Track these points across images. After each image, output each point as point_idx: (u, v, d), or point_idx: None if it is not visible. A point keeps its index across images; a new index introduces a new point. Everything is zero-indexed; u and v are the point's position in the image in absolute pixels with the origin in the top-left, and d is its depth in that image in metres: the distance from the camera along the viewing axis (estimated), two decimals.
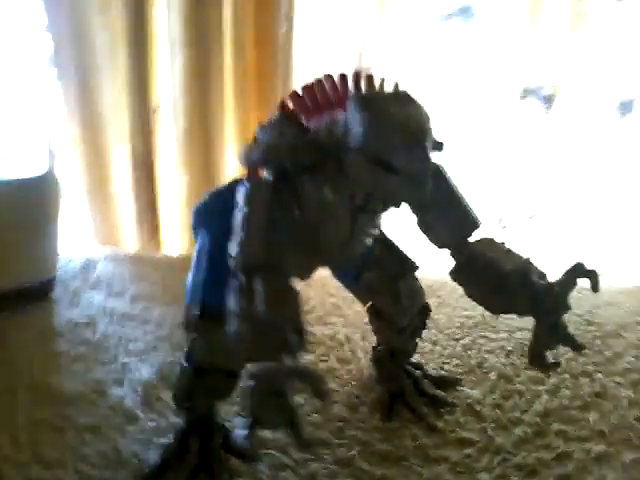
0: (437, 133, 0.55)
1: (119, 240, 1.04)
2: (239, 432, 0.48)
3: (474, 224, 0.56)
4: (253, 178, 0.51)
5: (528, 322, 0.83)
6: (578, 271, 0.51)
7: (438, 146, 0.54)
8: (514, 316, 0.84)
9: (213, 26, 0.87)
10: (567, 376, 0.75)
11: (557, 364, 0.54)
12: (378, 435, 0.66)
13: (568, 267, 0.52)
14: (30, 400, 0.67)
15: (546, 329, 0.52)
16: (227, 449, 0.62)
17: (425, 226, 0.57)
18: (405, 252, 0.65)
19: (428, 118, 0.47)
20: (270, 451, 0.63)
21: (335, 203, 0.51)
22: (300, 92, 0.53)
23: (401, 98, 0.47)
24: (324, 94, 0.52)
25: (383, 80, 0.50)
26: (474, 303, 0.83)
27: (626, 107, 0.94)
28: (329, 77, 0.52)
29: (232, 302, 0.46)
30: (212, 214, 0.61)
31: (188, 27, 0.86)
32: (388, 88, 0.49)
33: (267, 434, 0.64)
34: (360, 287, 0.66)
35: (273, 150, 0.50)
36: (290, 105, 0.54)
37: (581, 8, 0.89)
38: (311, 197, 0.50)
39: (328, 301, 0.88)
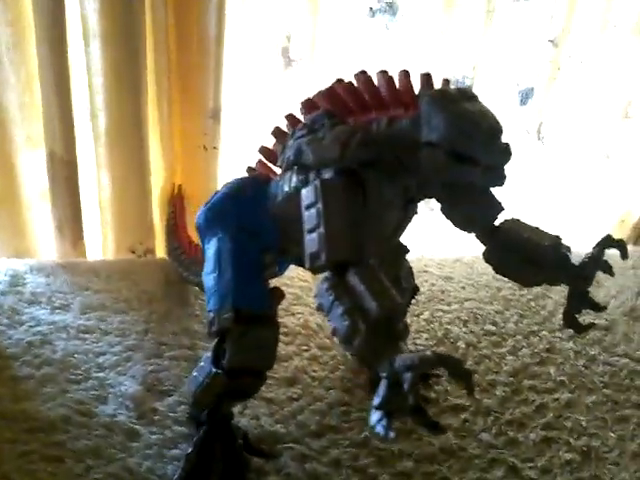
0: None
1: (34, 250, 0.94)
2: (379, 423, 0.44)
3: (500, 207, 0.59)
4: (321, 177, 0.51)
5: (471, 292, 0.92)
6: (608, 243, 0.57)
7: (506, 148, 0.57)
8: (460, 287, 0.93)
9: (134, 18, 0.82)
10: (520, 337, 0.83)
11: (592, 324, 0.60)
12: None
13: (598, 240, 0.58)
14: (10, 433, 0.61)
15: (578, 296, 0.58)
16: (247, 450, 0.61)
17: (455, 212, 0.58)
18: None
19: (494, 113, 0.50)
20: (288, 445, 0.63)
21: (392, 195, 0.52)
22: (335, 91, 0.54)
23: (469, 95, 0.49)
24: (372, 93, 0.53)
25: (447, 81, 0.52)
26: (429, 282, 0.89)
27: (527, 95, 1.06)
28: (384, 75, 0.53)
29: (329, 300, 0.46)
30: (226, 214, 0.60)
31: (105, 20, 0.80)
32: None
33: (278, 428, 0.65)
34: None
35: (339, 148, 0.50)
36: (320, 104, 0.55)
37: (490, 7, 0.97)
38: (373, 191, 0.51)
39: (286, 291, 0.88)
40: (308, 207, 0.50)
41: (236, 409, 0.65)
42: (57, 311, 0.78)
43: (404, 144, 0.50)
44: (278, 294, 0.60)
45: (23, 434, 0.61)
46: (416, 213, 0.59)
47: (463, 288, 0.93)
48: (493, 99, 1.05)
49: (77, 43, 0.84)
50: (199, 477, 0.58)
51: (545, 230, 0.59)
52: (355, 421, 0.67)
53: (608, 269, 0.57)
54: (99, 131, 0.88)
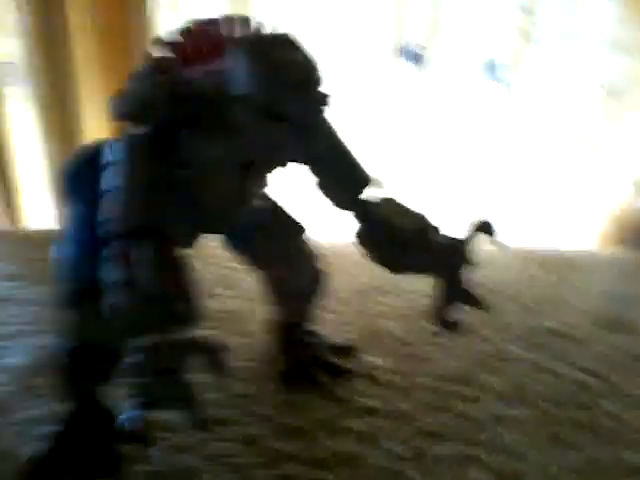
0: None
1: None
2: (128, 414, 0.44)
3: (365, 179, 0.55)
4: (129, 132, 0.46)
5: (422, 285, 0.85)
6: (478, 225, 0.52)
7: (324, 99, 0.51)
8: (410, 280, 0.86)
9: None
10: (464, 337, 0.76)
11: (457, 323, 0.55)
12: (282, 409, 0.63)
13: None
14: None
15: (446, 285, 0.52)
16: (117, 435, 0.57)
17: (320, 186, 0.55)
18: (292, 215, 0.62)
19: (316, 63, 0.45)
20: (166, 434, 0.59)
21: (219, 160, 0.47)
22: (170, 39, 0.48)
23: (286, 42, 0.45)
24: (200, 40, 0.47)
25: (261, 24, 0.47)
26: (368, 269, 0.82)
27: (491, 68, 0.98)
28: (209, 21, 0.47)
29: (108, 272, 0.42)
30: (83, 180, 0.53)
31: None
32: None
33: (161, 415, 0.60)
34: (250, 255, 0.63)
35: (148, 102, 0.45)
36: (159, 54, 0.49)
37: None
38: (192, 154, 0.46)
39: (211, 272, 0.84)
40: (110, 168, 0.45)
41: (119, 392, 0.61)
42: None
43: (219, 100, 0.44)
44: None
45: None
46: (265, 185, 0.54)
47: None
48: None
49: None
50: (59, 459, 0.54)
51: (415, 211, 0.53)
52: (250, 415, 0.62)
53: (469, 260, 0.51)
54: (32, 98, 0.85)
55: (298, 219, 0.62)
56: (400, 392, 0.67)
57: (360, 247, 0.56)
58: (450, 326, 0.54)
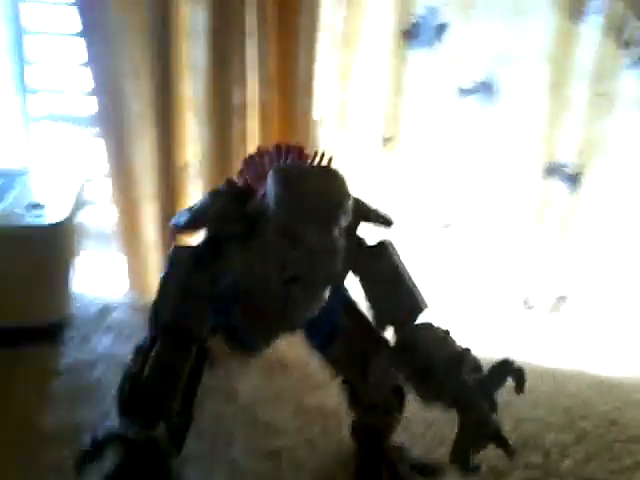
0: (387, 209, 0.54)
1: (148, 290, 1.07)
2: None
3: (417, 307, 0.54)
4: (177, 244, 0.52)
5: (538, 413, 0.77)
6: (505, 368, 0.47)
7: (386, 222, 0.53)
8: (525, 405, 0.78)
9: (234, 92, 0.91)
10: (571, 479, 0.67)
11: (479, 467, 0.49)
12: None
13: (494, 363, 0.49)
14: (13, 433, 0.69)
15: (471, 426, 0.48)
16: None
17: (370, 305, 0.56)
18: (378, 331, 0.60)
19: (344, 196, 0.47)
20: None
21: (263, 274, 0.50)
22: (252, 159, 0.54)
23: (322, 174, 0.48)
24: (258, 168, 0.53)
25: (319, 155, 0.50)
26: None
27: None
28: (269, 150, 0.53)
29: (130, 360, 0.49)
30: None
31: (210, 98, 0.90)
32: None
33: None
34: (327, 358, 0.63)
35: (197, 219, 0.51)
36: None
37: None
38: (237, 266, 0.51)
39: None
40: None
41: (198, 468, 0.65)
42: (117, 342, 0.87)
43: (260, 219, 0.48)
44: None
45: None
46: (319, 299, 0.54)
47: (535, 407, 0.78)
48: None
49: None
50: None
51: (453, 341, 0.50)
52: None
53: (494, 405, 0.46)
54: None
55: (383, 335, 0.60)
56: None
57: (394, 370, 0.55)
58: (470, 469, 0.49)
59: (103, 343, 0.86)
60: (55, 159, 1.19)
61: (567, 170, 0.90)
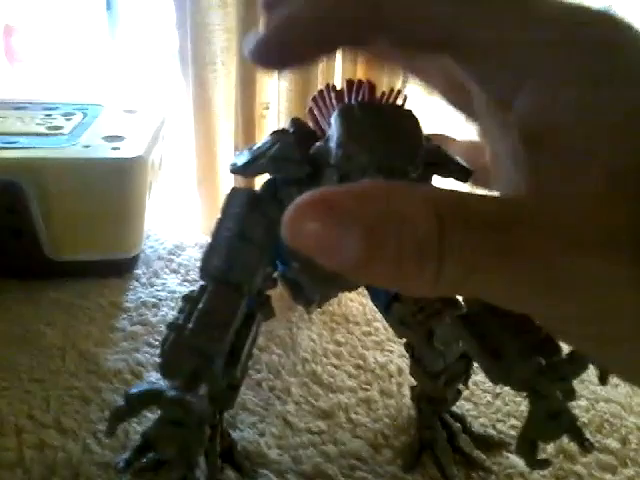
0: (462, 159, 0.48)
1: None
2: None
3: None
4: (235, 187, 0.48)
5: (617, 393, 0.71)
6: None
7: (462, 175, 0.47)
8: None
9: None
10: None
11: (547, 462, 0.44)
12: None
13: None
14: (74, 367, 0.70)
15: (542, 415, 0.42)
16: (226, 458, 0.60)
17: None
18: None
19: (416, 141, 0.40)
20: (267, 472, 0.59)
21: None
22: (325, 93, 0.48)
23: (392, 113, 0.41)
24: (334, 102, 0.46)
25: (395, 92, 0.44)
26: None
27: None
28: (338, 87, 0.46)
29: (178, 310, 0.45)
30: None
31: None
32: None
33: (270, 453, 0.61)
34: (390, 318, 0.59)
35: (257, 159, 0.46)
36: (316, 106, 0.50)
37: None
38: None
39: None
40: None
41: (249, 419, 0.64)
42: (185, 283, 0.87)
43: (322, 162, 0.42)
44: None
45: (81, 373, 0.70)
46: None
47: (615, 386, 0.72)
48: None
49: None
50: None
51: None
52: (355, 479, 0.59)
53: (571, 394, 0.40)
54: None
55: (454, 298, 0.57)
56: None
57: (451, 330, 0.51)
58: (535, 462, 0.44)
59: (170, 283, 0.87)
60: (137, 94, 1.19)
61: None
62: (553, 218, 0.20)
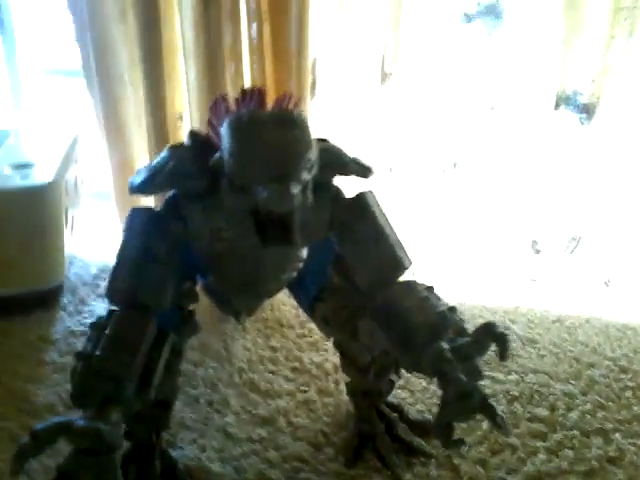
0: (367, 157, 0.50)
1: None
2: None
3: (398, 266, 0.50)
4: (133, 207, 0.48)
5: (547, 364, 0.74)
6: (487, 333, 0.43)
7: (364, 172, 0.48)
8: (538, 355, 0.75)
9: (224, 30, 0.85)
10: (576, 432, 0.64)
11: (462, 441, 0.46)
12: None
13: (477, 327, 0.44)
14: (2, 406, 0.68)
15: (453, 398, 0.44)
16: (168, 478, 0.59)
17: (349, 265, 0.52)
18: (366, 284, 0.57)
19: (305, 147, 0.42)
20: None
21: (231, 234, 0.46)
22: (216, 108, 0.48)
23: (279, 121, 0.42)
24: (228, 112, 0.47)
25: (288, 97, 0.45)
26: None
27: None
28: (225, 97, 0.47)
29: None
30: None
31: (199, 39, 0.84)
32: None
33: (215, 467, 0.60)
34: (315, 317, 0.60)
35: (154, 177, 0.46)
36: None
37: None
38: (202, 226, 0.46)
39: None
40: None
41: (189, 436, 0.64)
42: None
43: (217, 174, 0.43)
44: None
45: (10, 412, 0.68)
46: (295, 259, 0.51)
47: (541, 357, 0.75)
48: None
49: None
50: None
51: (435, 302, 0.46)
52: None
53: (477, 374, 0.42)
54: None
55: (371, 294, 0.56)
56: None
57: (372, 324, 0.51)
58: (454, 444, 0.45)
59: (97, 309, 0.85)
60: (44, 117, 1.16)
61: (580, 99, 0.83)
62: None
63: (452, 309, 0.47)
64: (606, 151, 0.86)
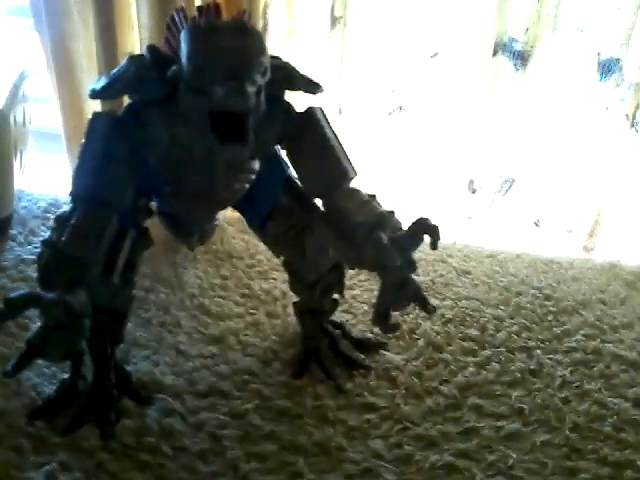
0: (314, 74, 0.53)
1: None
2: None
3: (343, 176, 0.54)
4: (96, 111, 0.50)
5: (479, 292, 0.80)
6: (420, 226, 0.48)
7: (312, 88, 0.51)
8: (471, 284, 0.81)
9: None
10: (503, 349, 0.70)
11: (397, 325, 0.51)
12: (281, 391, 0.64)
13: (412, 223, 0.49)
14: None
15: (390, 286, 0.49)
16: (122, 390, 0.62)
17: (298, 175, 0.56)
18: (316, 203, 0.61)
19: (257, 51, 0.45)
20: (165, 396, 0.62)
21: (188, 139, 0.49)
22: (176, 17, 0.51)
23: (234, 28, 0.45)
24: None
25: (241, 12, 0.48)
26: (425, 268, 0.79)
27: (609, 67, 0.85)
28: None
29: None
30: None
31: None
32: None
33: (168, 379, 0.64)
34: (266, 237, 0.64)
35: (115, 82, 0.48)
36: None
37: None
38: (161, 132, 0.49)
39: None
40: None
41: (142, 353, 0.67)
42: None
43: (177, 81, 0.46)
44: None
45: None
46: (247, 169, 0.54)
47: (475, 286, 0.81)
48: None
49: None
50: (66, 400, 0.60)
51: (375, 204, 0.50)
52: (248, 392, 0.63)
53: (412, 265, 0.47)
54: None
55: (317, 209, 0.60)
56: (412, 395, 0.64)
57: (322, 234, 0.56)
58: (389, 328, 0.51)
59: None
60: None
61: (516, 46, 0.88)
62: None
63: (391, 212, 0.51)
64: (539, 98, 0.91)
